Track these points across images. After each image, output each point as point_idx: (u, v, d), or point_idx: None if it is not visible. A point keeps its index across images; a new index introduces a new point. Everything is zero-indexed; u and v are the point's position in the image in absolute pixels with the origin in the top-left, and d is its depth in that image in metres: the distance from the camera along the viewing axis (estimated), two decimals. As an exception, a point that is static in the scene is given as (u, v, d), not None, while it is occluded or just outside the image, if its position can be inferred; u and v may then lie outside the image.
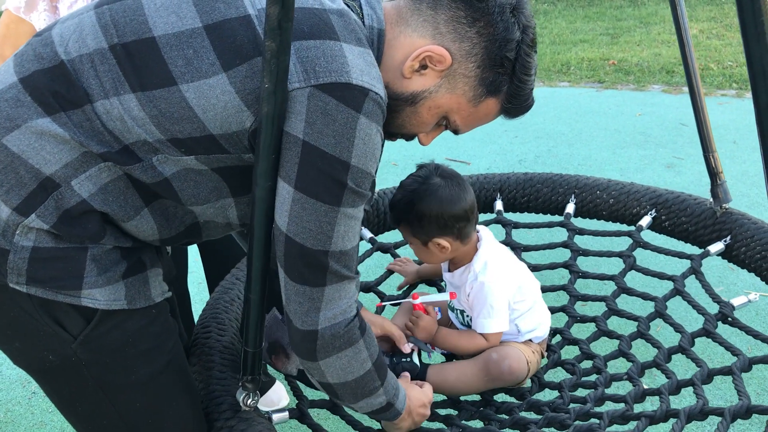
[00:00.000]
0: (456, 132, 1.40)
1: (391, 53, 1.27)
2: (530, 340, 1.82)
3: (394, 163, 4.83)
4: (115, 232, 1.23)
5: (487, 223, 2.27)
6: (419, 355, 1.80)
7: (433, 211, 1.70)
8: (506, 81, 1.29)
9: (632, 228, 2.17)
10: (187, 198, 1.24)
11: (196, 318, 2.46)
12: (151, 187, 1.20)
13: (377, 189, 2.24)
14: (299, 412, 1.61)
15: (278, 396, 2.51)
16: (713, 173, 1.96)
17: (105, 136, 1.15)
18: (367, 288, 2.07)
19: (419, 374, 1.76)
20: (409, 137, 1.41)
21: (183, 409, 1.38)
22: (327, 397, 1.69)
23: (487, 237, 1.84)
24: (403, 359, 1.76)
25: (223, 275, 2.19)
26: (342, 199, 1.16)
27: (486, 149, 5.17)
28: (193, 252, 2.44)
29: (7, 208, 1.15)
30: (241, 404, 1.38)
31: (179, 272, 2.29)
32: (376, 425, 1.65)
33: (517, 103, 1.34)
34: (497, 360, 1.73)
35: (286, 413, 1.55)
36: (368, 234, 2.23)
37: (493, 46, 1.25)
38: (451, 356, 1.95)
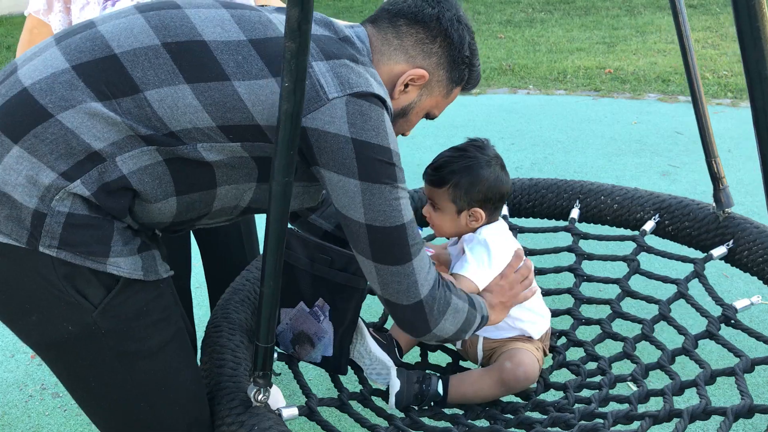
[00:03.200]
0: (432, 119, 1.66)
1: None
2: (530, 337, 1.85)
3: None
4: (133, 214, 1.34)
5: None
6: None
7: (488, 182, 1.77)
8: (467, 71, 1.57)
9: (636, 233, 2.20)
10: (221, 180, 1.37)
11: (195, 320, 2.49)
12: (191, 171, 1.32)
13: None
14: (308, 409, 1.62)
15: (275, 400, 2.53)
16: (716, 178, 2.00)
17: (153, 122, 1.26)
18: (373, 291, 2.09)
19: (443, 392, 1.78)
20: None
21: (189, 378, 1.47)
22: (335, 396, 1.72)
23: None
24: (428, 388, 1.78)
25: (223, 278, 2.21)
26: (396, 176, 1.37)
27: (484, 156, 5.19)
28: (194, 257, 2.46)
29: (53, 173, 1.23)
30: (252, 400, 1.40)
31: (182, 273, 2.31)
32: (383, 422, 1.67)
33: (473, 81, 1.62)
34: (511, 368, 1.76)
35: (296, 410, 1.57)
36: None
37: (454, 52, 1.52)
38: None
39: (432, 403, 1.77)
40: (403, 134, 1.64)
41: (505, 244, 1.81)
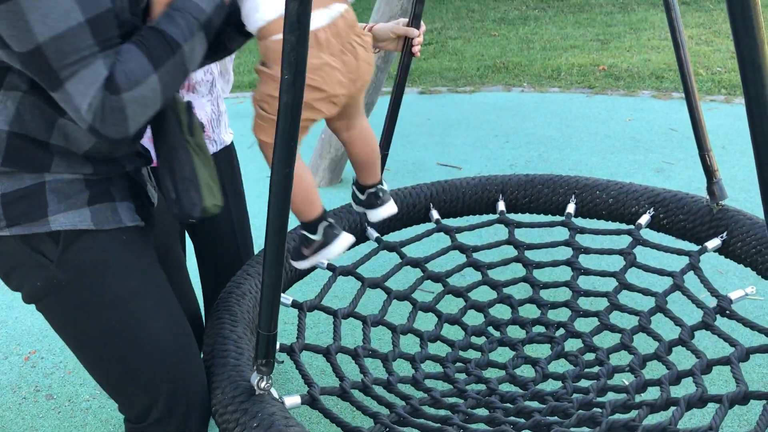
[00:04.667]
0: None
1: None
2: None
3: (387, 168, 4.86)
4: (64, 158, 1.36)
5: (490, 223, 2.33)
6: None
7: None
8: None
9: (632, 226, 2.23)
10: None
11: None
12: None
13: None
14: (310, 397, 1.65)
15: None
16: (709, 171, 2.03)
17: None
18: (375, 284, 2.12)
19: None
20: None
21: (161, 330, 1.51)
22: (337, 385, 1.74)
23: None
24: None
25: (216, 276, 2.23)
26: None
27: (477, 154, 5.22)
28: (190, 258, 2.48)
29: None
30: (255, 388, 1.42)
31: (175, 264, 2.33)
32: (384, 411, 1.69)
33: None
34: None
35: (298, 398, 1.59)
36: (374, 234, 2.28)
37: None
38: None
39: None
40: None
41: None
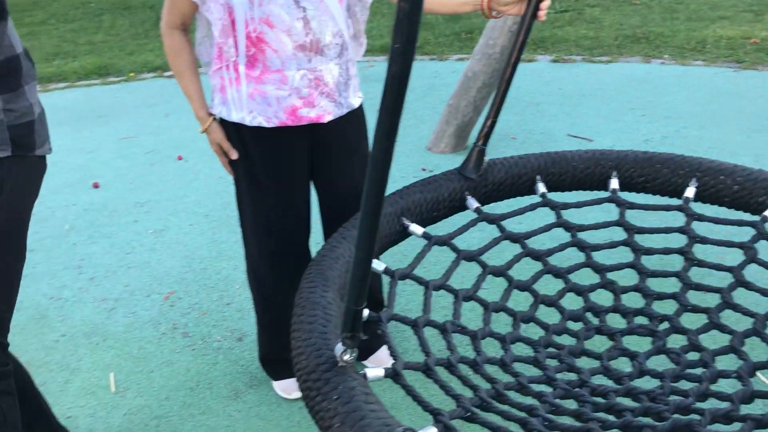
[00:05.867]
0: None
1: None
2: None
3: (513, 137, 4.75)
4: None
5: (600, 202, 2.20)
6: None
7: None
8: None
9: (756, 218, 2.04)
10: None
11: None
12: None
13: (488, 158, 2.21)
14: (394, 371, 1.62)
15: (379, 359, 2.55)
16: None
17: None
18: (470, 257, 2.06)
19: None
20: None
21: None
22: (422, 360, 1.71)
23: None
24: None
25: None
26: None
27: (610, 127, 5.01)
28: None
29: None
30: (338, 359, 1.42)
31: (302, 230, 2.38)
32: (468, 392, 1.65)
33: None
34: None
35: (382, 371, 1.57)
36: (474, 203, 2.21)
37: None
38: None
39: None
40: None
41: None
